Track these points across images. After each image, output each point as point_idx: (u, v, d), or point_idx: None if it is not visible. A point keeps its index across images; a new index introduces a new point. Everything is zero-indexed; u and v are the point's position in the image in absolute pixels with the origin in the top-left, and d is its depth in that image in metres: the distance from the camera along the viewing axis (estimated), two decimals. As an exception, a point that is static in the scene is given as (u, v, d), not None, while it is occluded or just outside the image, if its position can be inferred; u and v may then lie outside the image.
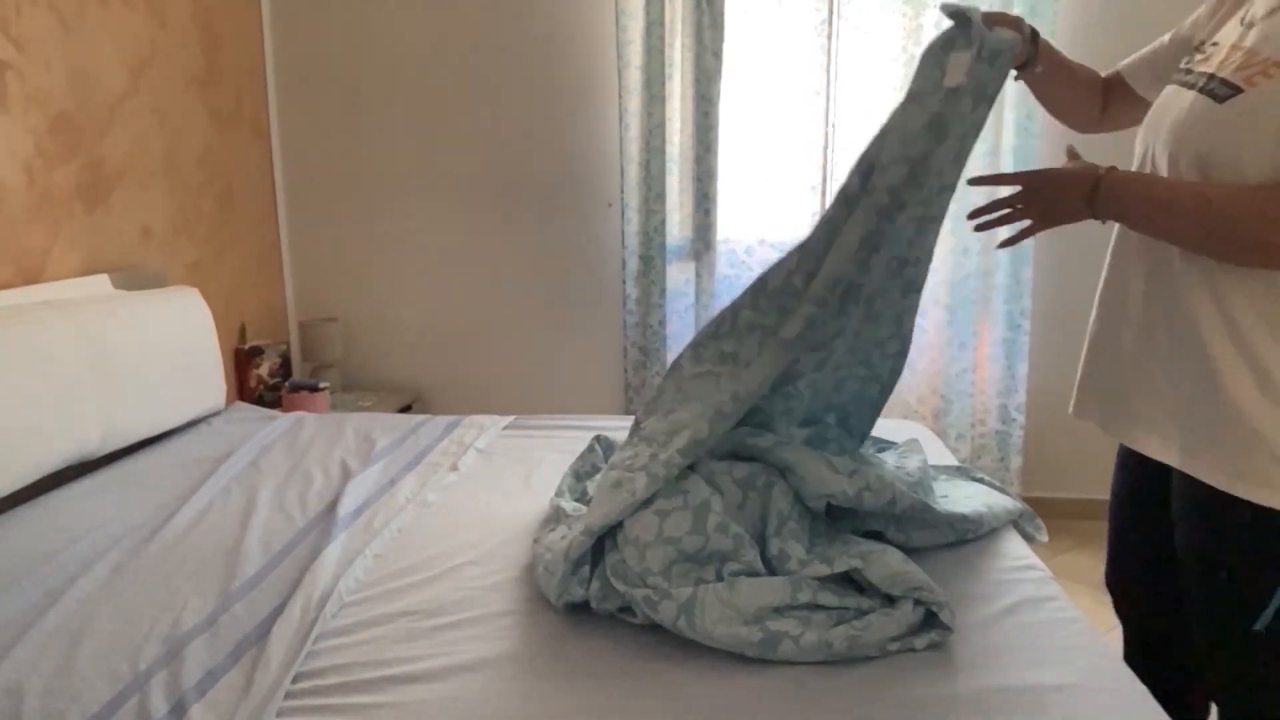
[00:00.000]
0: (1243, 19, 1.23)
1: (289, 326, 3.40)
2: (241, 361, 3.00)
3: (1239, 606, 1.21)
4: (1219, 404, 1.18)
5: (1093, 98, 1.53)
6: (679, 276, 3.17)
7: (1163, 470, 1.36)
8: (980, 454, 3.14)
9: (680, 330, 3.21)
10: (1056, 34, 2.84)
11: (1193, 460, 1.23)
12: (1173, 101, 1.25)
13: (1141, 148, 1.32)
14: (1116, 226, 1.36)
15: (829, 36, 3.02)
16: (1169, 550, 1.36)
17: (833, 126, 3.07)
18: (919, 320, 3.11)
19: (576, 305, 3.31)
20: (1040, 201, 1.29)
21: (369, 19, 3.20)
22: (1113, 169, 1.25)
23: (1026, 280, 3.00)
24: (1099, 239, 2.70)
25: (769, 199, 3.06)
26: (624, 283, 3.11)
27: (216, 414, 2.51)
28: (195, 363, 2.38)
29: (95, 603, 1.46)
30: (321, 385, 2.92)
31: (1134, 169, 1.32)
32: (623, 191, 3.05)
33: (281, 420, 2.44)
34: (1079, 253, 3.05)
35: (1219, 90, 1.16)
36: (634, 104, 2.97)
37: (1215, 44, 1.25)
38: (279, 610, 1.42)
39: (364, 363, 3.45)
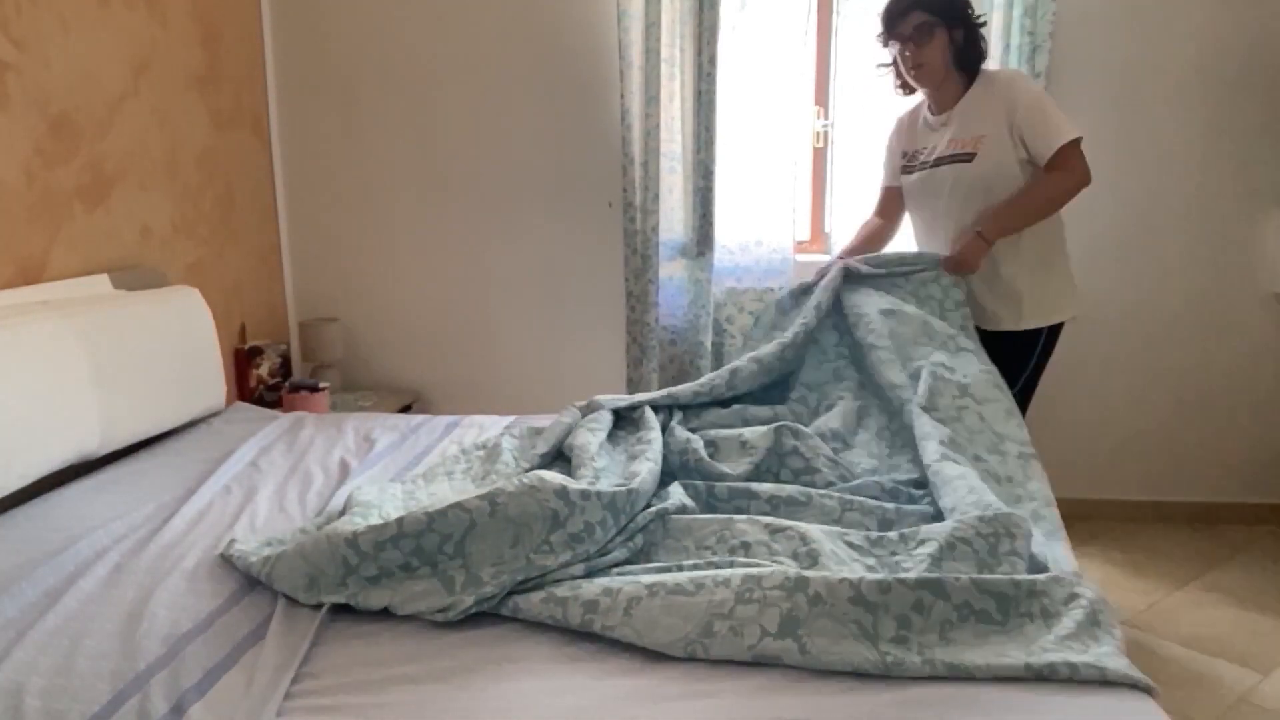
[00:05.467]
0: (930, 126, 2.31)
1: (289, 326, 3.40)
2: (241, 361, 3.00)
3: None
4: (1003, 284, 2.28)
5: (893, 224, 2.53)
6: (678, 275, 3.16)
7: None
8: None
9: (678, 329, 3.21)
10: (1055, 32, 2.83)
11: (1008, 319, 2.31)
12: (930, 180, 2.29)
13: (927, 212, 2.34)
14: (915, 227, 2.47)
15: (828, 37, 3.03)
16: None
17: (830, 124, 3.07)
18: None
19: (577, 305, 3.31)
20: (964, 265, 2.23)
21: (369, 19, 3.20)
22: (977, 224, 2.21)
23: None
24: (1099, 263, 2.66)
25: (766, 199, 3.06)
26: (626, 280, 3.11)
27: (216, 414, 2.51)
28: (195, 363, 2.38)
29: (95, 603, 1.46)
30: (321, 385, 2.92)
31: (923, 226, 2.40)
32: (624, 191, 3.04)
33: (281, 420, 2.44)
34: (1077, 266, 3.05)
35: (961, 156, 2.22)
36: (636, 104, 2.97)
37: (923, 147, 2.32)
38: (279, 610, 1.42)
39: (364, 363, 3.45)
